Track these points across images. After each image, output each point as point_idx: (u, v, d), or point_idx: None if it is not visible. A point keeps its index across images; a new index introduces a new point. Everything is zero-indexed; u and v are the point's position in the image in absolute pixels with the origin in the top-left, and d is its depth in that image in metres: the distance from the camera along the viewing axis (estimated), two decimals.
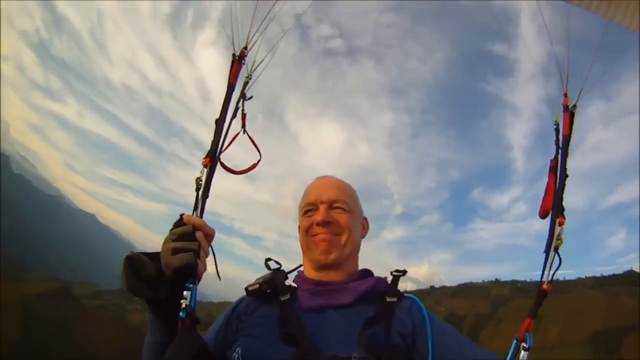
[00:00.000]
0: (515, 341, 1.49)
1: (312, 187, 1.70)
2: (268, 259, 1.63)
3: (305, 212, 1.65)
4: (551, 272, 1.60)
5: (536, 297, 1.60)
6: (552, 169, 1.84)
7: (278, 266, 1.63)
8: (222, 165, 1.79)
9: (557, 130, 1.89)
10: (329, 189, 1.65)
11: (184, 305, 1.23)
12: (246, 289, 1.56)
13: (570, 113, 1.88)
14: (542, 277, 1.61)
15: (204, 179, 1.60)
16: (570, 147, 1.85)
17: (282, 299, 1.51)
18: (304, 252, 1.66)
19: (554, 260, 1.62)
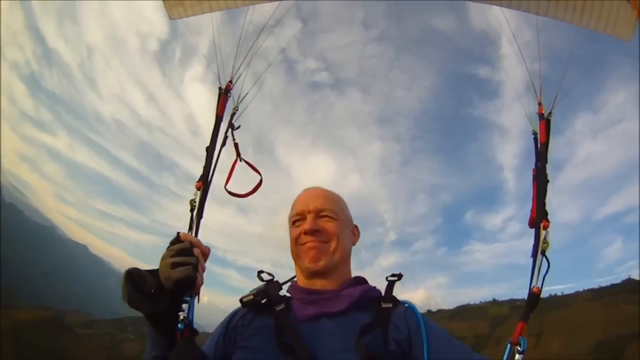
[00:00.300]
0: (509, 345, 1.52)
1: (299, 198, 1.72)
2: (260, 272, 1.62)
3: (294, 223, 1.66)
4: (541, 276, 1.65)
5: (527, 300, 1.64)
6: (535, 177, 1.92)
7: (271, 277, 1.62)
8: (229, 192, 1.89)
9: (535, 140, 1.99)
10: (316, 198, 1.67)
11: (182, 317, 1.29)
12: (241, 300, 1.55)
13: (546, 120, 1.99)
14: (530, 281, 1.65)
15: (197, 200, 1.71)
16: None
17: (277, 308, 1.49)
18: (295, 262, 1.66)
19: (542, 264, 1.68)
